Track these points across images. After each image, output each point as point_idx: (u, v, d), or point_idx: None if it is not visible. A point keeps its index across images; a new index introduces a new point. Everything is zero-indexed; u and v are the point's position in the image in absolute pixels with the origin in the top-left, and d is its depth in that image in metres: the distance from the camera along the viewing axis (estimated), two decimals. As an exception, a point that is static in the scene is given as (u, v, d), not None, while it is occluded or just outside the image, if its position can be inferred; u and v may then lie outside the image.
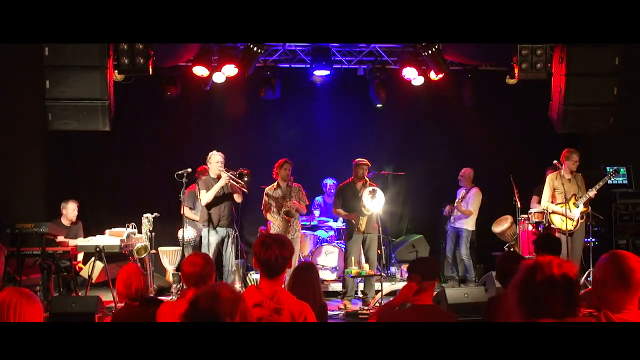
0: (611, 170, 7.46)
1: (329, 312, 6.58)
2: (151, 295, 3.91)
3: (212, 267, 3.35)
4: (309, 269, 4.06)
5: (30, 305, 2.41)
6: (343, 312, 6.65)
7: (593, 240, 7.02)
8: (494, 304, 3.70)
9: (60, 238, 7.20)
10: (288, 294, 2.94)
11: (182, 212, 6.92)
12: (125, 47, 6.60)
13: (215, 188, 6.64)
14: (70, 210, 7.42)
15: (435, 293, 6.69)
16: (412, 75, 7.81)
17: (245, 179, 6.69)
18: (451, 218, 8.28)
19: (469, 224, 8.14)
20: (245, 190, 6.74)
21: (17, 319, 2.34)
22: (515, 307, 2.11)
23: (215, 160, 6.79)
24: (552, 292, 2.04)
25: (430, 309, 3.30)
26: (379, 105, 8.41)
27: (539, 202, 7.40)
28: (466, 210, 8.05)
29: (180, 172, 6.78)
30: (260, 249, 2.81)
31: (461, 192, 8.19)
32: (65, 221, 7.40)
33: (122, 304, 3.85)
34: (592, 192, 6.76)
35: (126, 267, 3.82)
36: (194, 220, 7.60)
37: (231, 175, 6.64)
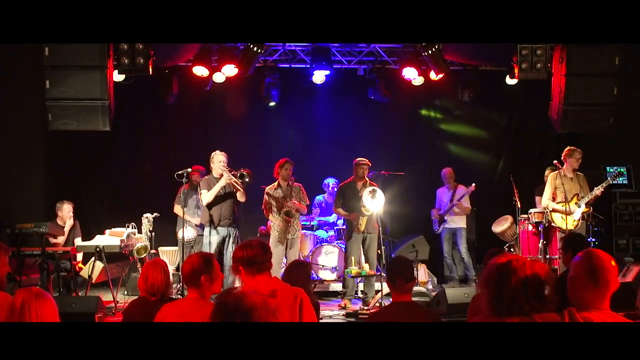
0: (613, 170, 7.45)
1: (329, 312, 6.60)
2: (172, 296, 3.83)
3: (211, 267, 3.24)
4: (297, 268, 4.12)
5: (48, 304, 2.51)
6: (343, 312, 6.65)
7: (593, 240, 7.01)
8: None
9: (62, 238, 7.21)
10: (280, 281, 3.10)
11: (173, 210, 6.89)
12: (125, 47, 6.59)
13: (216, 188, 6.65)
14: (65, 212, 7.40)
15: (435, 293, 6.73)
16: (412, 75, 7.81)
17: (247, 179, 6.68)
18: (446, 219, 8.29)
19: (463, 222, 8.19)
20: (241, 190, 6.73)
21: (37, 319, 2.47)
22: (486, 305, 2.13)
23: (218, 160, 6.79)
24: (524, 293, 2.06)
25: (412, 306, 3.39)
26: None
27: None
28: (466, 208, 8.08)
29: (180, 172, 6.77)
30: (246, 251, 3.07)
31: (448, 192, 8.22)
32: (60, 222, 7.38)
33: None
34: (598, 191, 6.75)
35: (150, 261, 3.81)
36: (187, 220, 7.60)
37: (232, 177, 6.63)
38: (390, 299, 3.96)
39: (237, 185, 6.65)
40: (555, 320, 2.14)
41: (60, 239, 7.22)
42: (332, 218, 8.38)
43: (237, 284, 7.14)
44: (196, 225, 7.64)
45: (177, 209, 7.67)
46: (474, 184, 8.10)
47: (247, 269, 3.05)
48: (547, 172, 7.42)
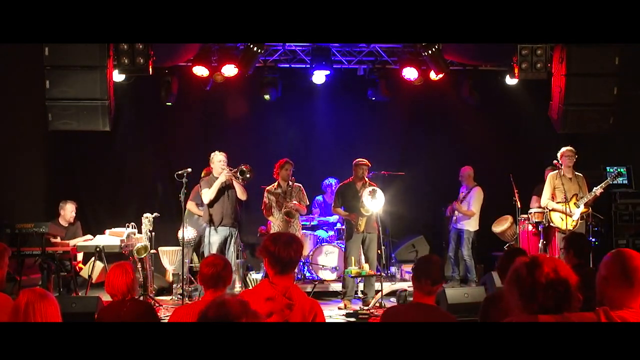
0: (613, 170, 7.45)
1: (329, 313, 6.60)
2: (136, 295, 3.82)
3: (230, 269, 3.33)
4: None
5: (52, 305, 2.56)
6: (343, 312, 6.65)
7: (593, 240, 7.01)
8: (491, 303, 3.68)
9: (73, 241, 7.21)
10: (300, 290, 2.97)
11: (184, 207, 6.79)
12: (125, 47, 6.60)
13: (216, 185, 6.66)
14: (68, 212, 7.41)
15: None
16: (412, 75, 7.80)
17: (248, 175, 6.68)
18: (453, 218, 8.25)
19: (470, 225, 8.07)
20: (241, 187, 6.71)
21: (41, 320, 2.50)
22: (516, 305, 2.12)
23: (217, 159, 6.80)
24: (555, 288, 2.06)
25: (433, 310, 3.27)
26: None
27: (538, 202, 7.40)
28: (468, 211, 7.99)
29: (180, 172, 6.76)
30: (277, 247, 2.85)
31: (461, 192, 8.17)
32: (62, 222, 7.39)
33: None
34: (598, 191, 6.74)
35: (114, 264, 3.78)
36: (199, 216, 7.52)
37: (231, 175, 6.64)
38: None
39: (236, 183, 6.65)
40: (591, 319, 2.15)
41: (72, 242, 7.23)
42: (333, 219, 8.38)
43: (237, 284, 7.15)
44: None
45: (191, 205, 7.53)
46: (449, 207, 8.17)
47: (271, 264, 2.89)
48: (547, 172, 7.42)
